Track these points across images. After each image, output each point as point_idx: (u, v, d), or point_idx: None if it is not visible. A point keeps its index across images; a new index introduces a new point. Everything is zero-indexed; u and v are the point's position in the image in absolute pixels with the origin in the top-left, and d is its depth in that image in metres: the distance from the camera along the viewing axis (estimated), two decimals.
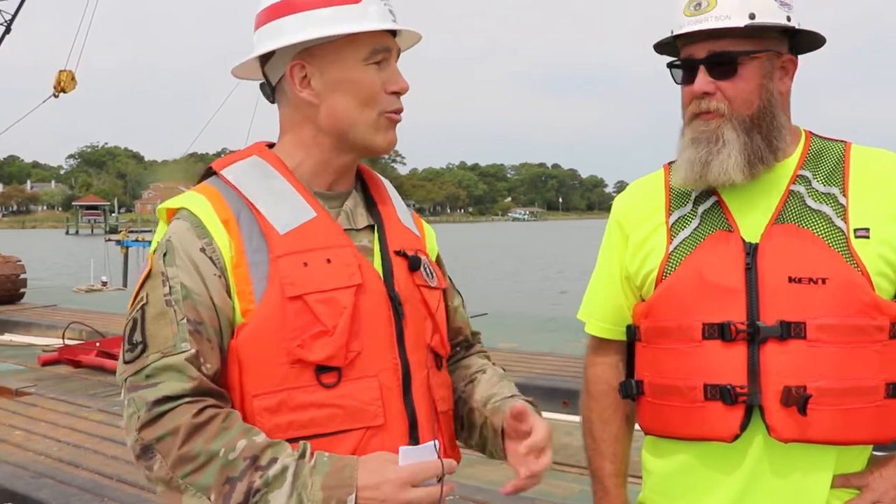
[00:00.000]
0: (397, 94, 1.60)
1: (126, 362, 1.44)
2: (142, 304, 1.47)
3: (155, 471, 1.37)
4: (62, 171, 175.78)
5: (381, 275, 1.58)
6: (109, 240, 29.05)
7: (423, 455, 1.46)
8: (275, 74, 1.62)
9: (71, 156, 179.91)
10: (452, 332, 1.81)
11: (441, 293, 1.73)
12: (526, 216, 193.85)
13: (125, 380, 1.43)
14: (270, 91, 1.65)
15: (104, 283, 21.65)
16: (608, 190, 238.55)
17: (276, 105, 1.67)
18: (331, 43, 1.56)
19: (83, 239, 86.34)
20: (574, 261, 36.66)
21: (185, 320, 1.43)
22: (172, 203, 1.58)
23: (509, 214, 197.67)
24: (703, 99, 1.73)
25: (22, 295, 16.30)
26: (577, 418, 2.08)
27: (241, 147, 1.75)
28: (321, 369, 1.47)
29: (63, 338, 11.03)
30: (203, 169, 1.66)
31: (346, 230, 1.59)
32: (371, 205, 1.70)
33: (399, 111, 1.61)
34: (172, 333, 1.42)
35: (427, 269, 1.68)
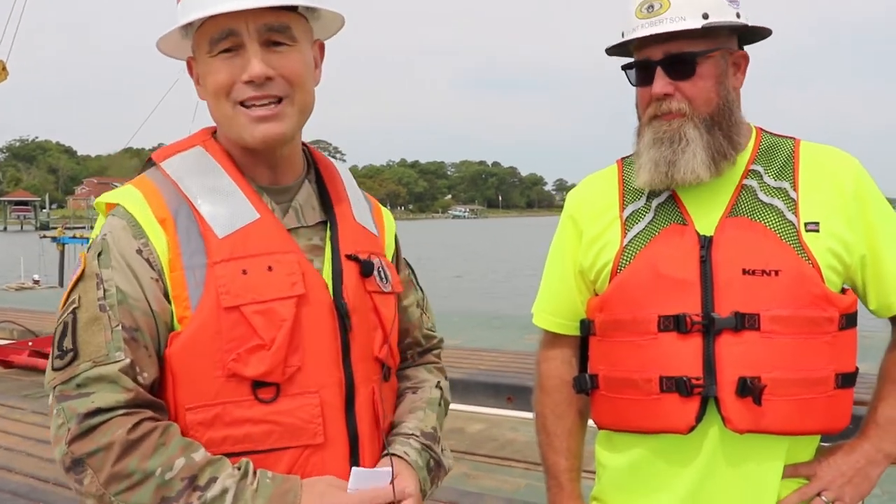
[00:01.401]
0: (253, 82, 1.41)
1: (55, 369, 1.35)
2: (73, 307, 1.37)
3: (85, 485, 1.30)
4: None
5: (330, 281, 1.49)
6: (45, 236, 28.02)
7: (376, 480, 1.42)
8: None
9: None
10: (400, 335, 1.68)
11: (395, 298, 1.63)
12: (466, 213, 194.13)
13: (54, 388, 1.35)
14: None
15: (36, 282, 21.03)
16: (547, 188, 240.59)
17: None
18: (194, 35, 1.47)
19: (12, 235, 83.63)
20: (517, 258, 36.88)
21: (119, 327, 1.34)
22: (110, 197, 1.48)
23: (450, 212, 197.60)
24: (663, 101, 1.72)
25: None
26: (521, 414, 2.09)
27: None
28: (258, 384, 1.39)
29: None
30: (139, 164, 1.55)
31: (295, 228, 1.50)
32: (326, 198, 1.60)
33: (253, 100, 1.42)
34: (105, 341, 1.33)
35: (381, 273, 1.58)
